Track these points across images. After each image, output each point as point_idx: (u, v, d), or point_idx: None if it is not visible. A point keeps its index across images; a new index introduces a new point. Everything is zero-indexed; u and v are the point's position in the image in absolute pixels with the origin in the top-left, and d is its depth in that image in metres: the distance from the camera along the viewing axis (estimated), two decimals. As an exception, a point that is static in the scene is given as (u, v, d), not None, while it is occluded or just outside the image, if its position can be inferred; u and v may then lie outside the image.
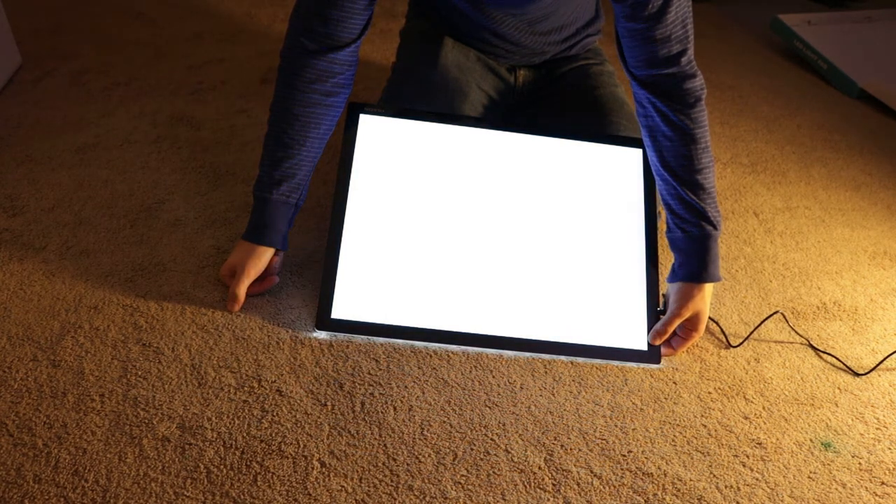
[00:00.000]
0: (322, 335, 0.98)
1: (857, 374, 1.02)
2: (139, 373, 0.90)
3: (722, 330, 1.06)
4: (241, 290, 0.99)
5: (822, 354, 1.05)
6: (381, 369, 0.94)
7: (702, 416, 0.94)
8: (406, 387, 0.93)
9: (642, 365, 1.00)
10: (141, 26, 1.74)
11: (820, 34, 1.96)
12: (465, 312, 1.00)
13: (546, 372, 0.97)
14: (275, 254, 1.02)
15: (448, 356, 0.97)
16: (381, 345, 0.98)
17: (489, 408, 0.91)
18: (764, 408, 0.96)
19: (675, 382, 0.98)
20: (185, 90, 1.50)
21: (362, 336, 0.98)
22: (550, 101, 1.25)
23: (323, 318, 0.98)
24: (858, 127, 1.67)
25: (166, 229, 1.13)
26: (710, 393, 0.97)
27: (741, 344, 1.05)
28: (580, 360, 0.99)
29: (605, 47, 1.33)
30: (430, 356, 0.97)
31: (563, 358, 0.99)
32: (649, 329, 1.01)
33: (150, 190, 1.21)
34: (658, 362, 1.00)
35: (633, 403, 0.94)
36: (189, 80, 1.53)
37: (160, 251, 1.09)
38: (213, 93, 1.50)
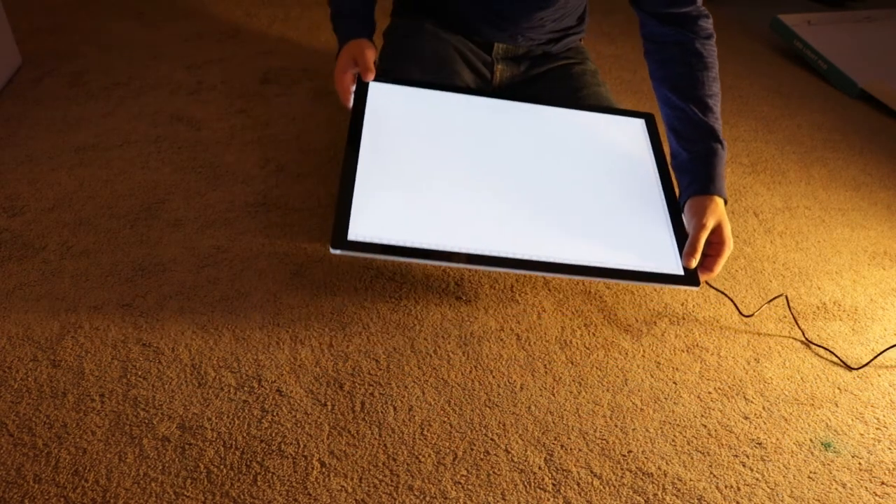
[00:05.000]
0: (337, 253, 0.95)
1: (852, 369, 1.03)
2: (139, 373, 0.90)
3: (734, 302, 1.11)
4: (372, 74, 1.08)
5: (815, 348, 1.06)
6: (381, 369, 0.95)
7: (702, 416, 0.94)
8: (406, 387, 0.93)
9: (683, 287, 1.00)
10: (141, 26, 1.74)
11: (820, 34, 1.96)
12: (493, 236, 0.98)
13: (546, 372, 0.97)
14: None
15: (448, 356, 0.98)
16: (381, 344, 0.98)
17: (489, 408, 0.91)
18: (764, 408, 0.96)
19: (675, 382, 0.98)
20: (185, 90, 1.50)
21: (378, 255, 0.95)
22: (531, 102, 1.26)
23: (338, 239, 0.94)
24: (858, 127, 1.67)
25: (166, 229, 1.13)
26: (710, 393, 0.97)
27: (753, 314, 1.10)
28: (617, 282, 1.01)
29: (589, 46, 1.34)
30: (430, 356, 0.97)
31: (598, 280, 0.99)
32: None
33: (150, 190, 1.21)
34: (697, 284, 0.99)
35: (633, 403, 0.94)
36: (189, 80, 1.53)
37: (160, 251, 1.09)
38: (212, 93, 1.50)
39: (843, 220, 1.35)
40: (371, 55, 1.10)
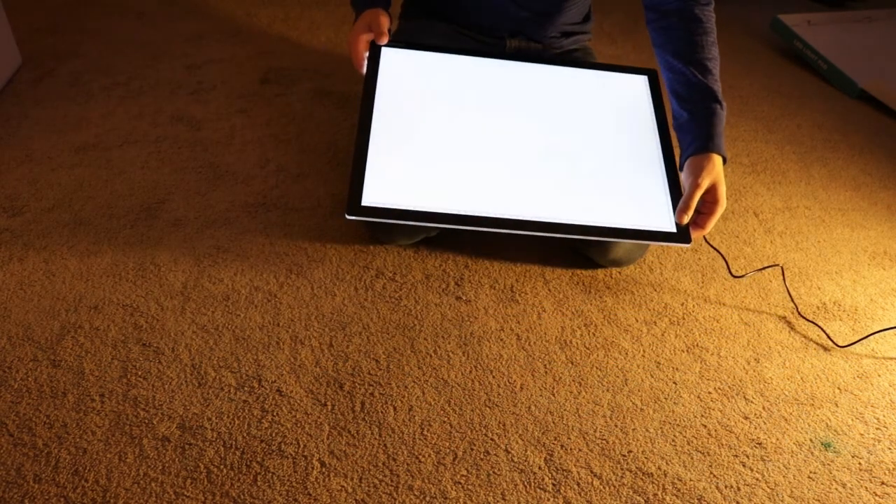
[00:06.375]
0: (353, 219, 0.98)
1: (840, 346, 1.06)
2: (139, 373, 0.90)
3: (725, 260, 1.16)
4: (385, 38, 1.11)
5: (806, 323, 1.10)
6: (381, 369, 0.95)
7: (702, 416, 0.94)
8: (406, 387, 0.93)
9: (674, 244, 1.02)
10: (141, 26, 1.74)
11: (820, 34, 1.96)
12: (495, 198, 1.00)
13: (546, 372, 0.97)
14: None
15: (448, 356, 0.98)
16: (381, 344, 0.98)
17: (489, 408, 0.91)
18: (764, 408, 0.96)
19: (675, 382, 0.98)
20: (185, 90, 1.50)
21: (391, 220, 0.97)
22: None
23: (353, 205, 0.97)
24: (858, 127, 1.67)
25: (166, 229, 1.13)
26: (710, 393, 0.97)
27: (744, 276, 1.15)
28: (613, 240, 1.03)
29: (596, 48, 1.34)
30: (430, 356, 0.97)
31: (596, 239, 1.02)
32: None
33: (150, 190, 1.21)
34: (689, 241, 1.01)
35: (633, 403, 0.94)
36: (189, 80, 1.53)
37: (160, 251, 1.09)
38: (213, 93, 1.50)
39: (843, 220, 1.35)
40: (385, 22, 1.12)
